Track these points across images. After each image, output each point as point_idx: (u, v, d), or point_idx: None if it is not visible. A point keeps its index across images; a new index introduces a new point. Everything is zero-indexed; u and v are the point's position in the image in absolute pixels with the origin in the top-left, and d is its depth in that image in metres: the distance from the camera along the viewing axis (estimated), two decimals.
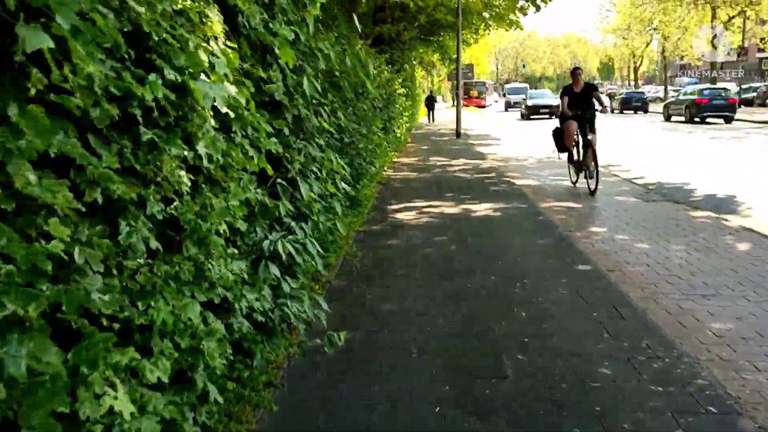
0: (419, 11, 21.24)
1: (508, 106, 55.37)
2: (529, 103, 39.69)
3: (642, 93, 46.45)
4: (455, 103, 67.16)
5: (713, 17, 49.56)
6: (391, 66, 18.47)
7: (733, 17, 47.78)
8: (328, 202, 5.06)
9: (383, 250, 6.65)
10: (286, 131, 3.72)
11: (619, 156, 16.29)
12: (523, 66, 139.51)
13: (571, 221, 8.24)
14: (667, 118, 33.31)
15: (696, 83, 71.72)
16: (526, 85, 70.42)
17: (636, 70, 76.65)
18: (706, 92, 30.70)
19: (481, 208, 9.10)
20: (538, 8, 24.73)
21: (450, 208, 9.16)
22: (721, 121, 29.97)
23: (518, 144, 21.44)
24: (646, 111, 41.97)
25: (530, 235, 7.32)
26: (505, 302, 4.93)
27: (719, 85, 37.76)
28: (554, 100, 37.20)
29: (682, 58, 67.87)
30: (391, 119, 12.50)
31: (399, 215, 8.62)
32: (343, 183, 4.86)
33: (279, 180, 3.60)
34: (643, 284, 5.39)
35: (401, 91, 15.45)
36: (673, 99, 34.78)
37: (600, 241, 7.13)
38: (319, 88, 4.27)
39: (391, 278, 5.60)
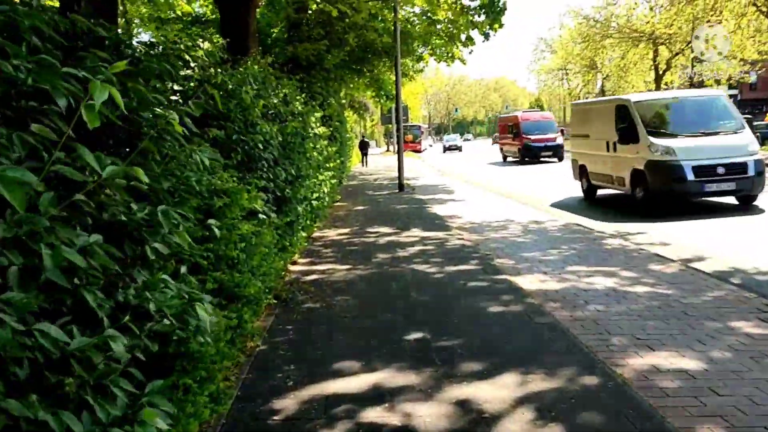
0: (347, 30, 16.23)
1: (525, 153, 32.90)
2: None
3: None
4: (390, 147, 63.16)
5: (656, 55, 47.27)
6: (312, 100, 13.26)
7: (677, 54, 45.35)
8: None
9: None
10: None
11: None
12: (456, 110, 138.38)
13: None
14: None
15: None
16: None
17: None
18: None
19: (501, 403, 3.74)
20: (486, 36, 20.52)
21: (428, 407, 3.76)
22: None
23: (481, 199, 16.45)
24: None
25: None
26: None
27: None
28: None
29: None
30: (299, 179, 7.08)
31: None
32: None
33: None
34: None
35: (321, 130, 10.18)
36: None
37: None
38: None
39: None
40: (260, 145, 5.25)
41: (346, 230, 11.18)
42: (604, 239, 9.89)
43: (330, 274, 7.49)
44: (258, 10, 17.44)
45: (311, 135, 9.04)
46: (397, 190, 19.42)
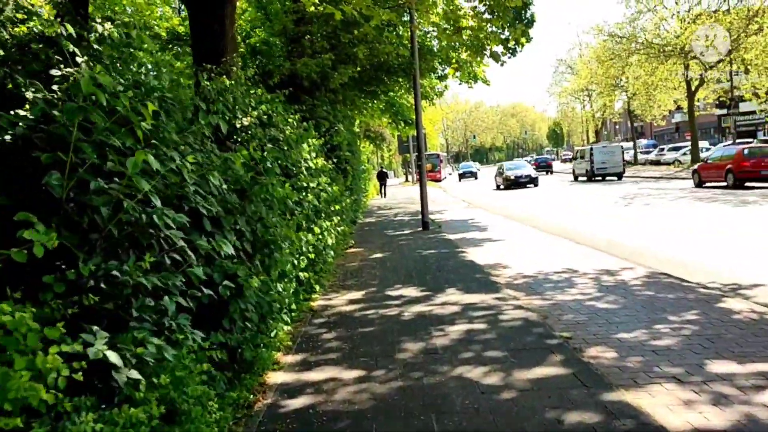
0: (355, 43, 13.62)
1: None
2: None
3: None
4: (408, 177, 60.60)
5: (687, 70, 44.08)
6: (314, 125, 10.64)
7: (711, 67, 42.14)
8: None
9: None
10: None
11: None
12: (473, 137, 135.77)
13: None
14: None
15: (655, 145, 67.41)
16: None
17: (598, 132, 71.54)
18: (537, 159, 59.40)
19: None
20: (513, 52, 18.00)
21: None
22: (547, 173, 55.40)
23: (522, 238, 13.56)
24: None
25: None
26: None
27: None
28: None
29: (637, 118, 62.74)
30: (267, 249, 4.20)
31: None
32: None
33: None
34: None
35: (319, 163, 7.42)
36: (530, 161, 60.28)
37: None
38: None
39: None
40: (154, 199, 2.50)
41: (360, 294, 8.35)
42: (718, 300, 7.00)
43: (329, 395, 4.63)
44: (250, 23, 14.95)
45: (302, 170, 6.28)
46: (420, 228, 16.65)
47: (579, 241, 12.64)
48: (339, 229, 10.20)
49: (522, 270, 9.64)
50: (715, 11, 37.28)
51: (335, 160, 11.88)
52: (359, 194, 20.12)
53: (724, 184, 24.07)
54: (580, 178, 40.22)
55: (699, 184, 25.80)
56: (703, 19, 37.61)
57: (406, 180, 62.64)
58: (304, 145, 6.76)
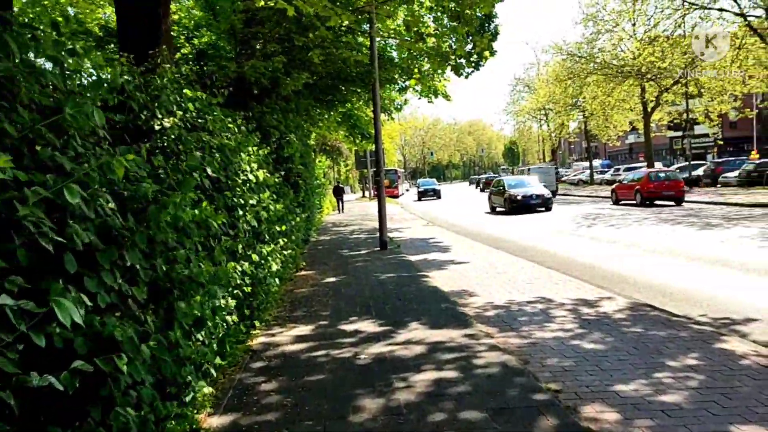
0: (310, 47, 12.56)
1: None
2: None
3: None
4: (365, 193, 59.62)
5: (643, 91, 44.39)
6: (263, 134, 9.62)
7: (667, 90, 42.50)
8: None
9: None
10: None
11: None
12: (431, 154, 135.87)
13: None
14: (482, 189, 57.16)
15: (609, 165, 68.56)
16: None
17: (554, 151, 72.06)
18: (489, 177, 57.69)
19: None
20: (477, 66, 17.33)
21: None
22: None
23: (487, 260, 12.63)
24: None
25: None
26: None
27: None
28: None
29: (593, 138, 63.27)
30: (174, 293, 3.16)
31: None
32: None
33: None
34: None
35: (260, 174, 6.27)
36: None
37: None
38: None
39: None
40: None
41: (309, 329, 7.22)
42: (716, 340, 6.17)
43: None
44: (195, 22, 13.80)
45: (239, 184, 5.17)
46: (378, 248, 15.63)
47: (542, 261, 11.80)
48: (286, 252, 9.04)
49: (491, 299, 8.68)
50: (672, 34, 37.55)
51: (284, 173, 10.73)
52: (312, 211, 18.93)
53: (634, 202, 27.94)
54: None
55: (616, 202, 30.12)
56: (660, 41, 37.84)
57: (363, 195, 61.78)
58: (243, 154, 5.66)
